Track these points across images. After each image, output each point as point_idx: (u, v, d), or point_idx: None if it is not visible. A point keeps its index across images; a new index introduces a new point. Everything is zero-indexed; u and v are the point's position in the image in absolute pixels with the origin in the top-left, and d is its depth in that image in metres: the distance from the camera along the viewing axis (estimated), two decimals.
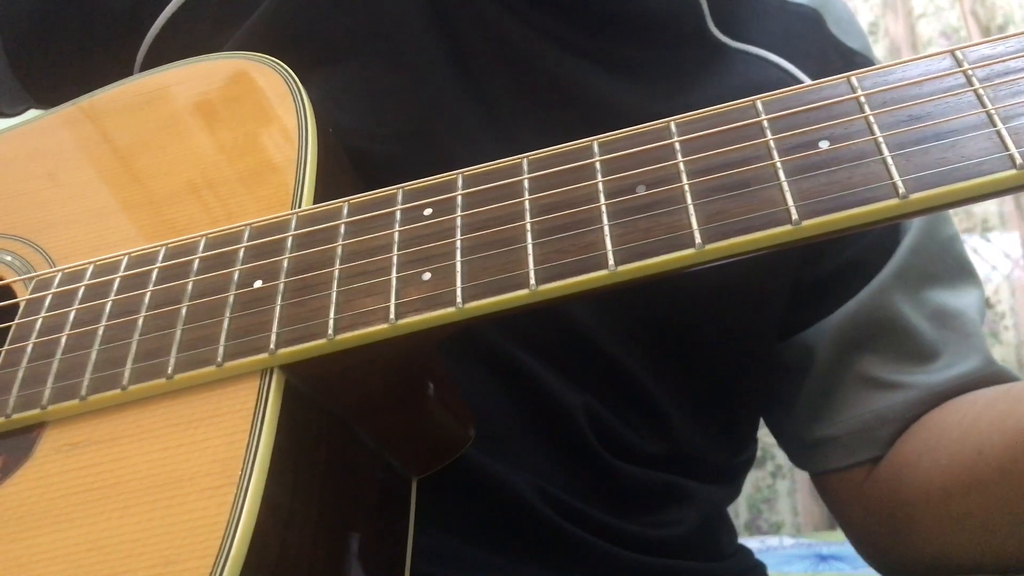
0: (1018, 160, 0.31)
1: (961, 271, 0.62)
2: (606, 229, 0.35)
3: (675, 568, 0.56)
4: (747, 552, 0.65)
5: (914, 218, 0.49)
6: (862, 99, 0.35)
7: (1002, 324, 2.04)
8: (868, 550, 0.61)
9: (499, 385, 0.53)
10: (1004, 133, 0.32)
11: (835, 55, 0.61)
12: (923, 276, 0.59)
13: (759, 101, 0.37)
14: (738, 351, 0.58)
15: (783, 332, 0.60)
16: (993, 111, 0.33)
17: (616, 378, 0.55)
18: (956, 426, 0.55)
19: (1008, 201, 2.08)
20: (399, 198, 0.40)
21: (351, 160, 0.51)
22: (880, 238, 0.59)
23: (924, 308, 0.59)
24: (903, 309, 0.59)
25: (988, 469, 0.51)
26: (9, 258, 0.48)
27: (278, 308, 0.38)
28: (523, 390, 0.53)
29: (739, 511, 1.94)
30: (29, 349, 0.41)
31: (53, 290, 0.43)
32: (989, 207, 2.09)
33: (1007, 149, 0.32)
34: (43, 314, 0.43)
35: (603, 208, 0.36)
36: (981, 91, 0.34)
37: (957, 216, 2.09)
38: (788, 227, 0.33)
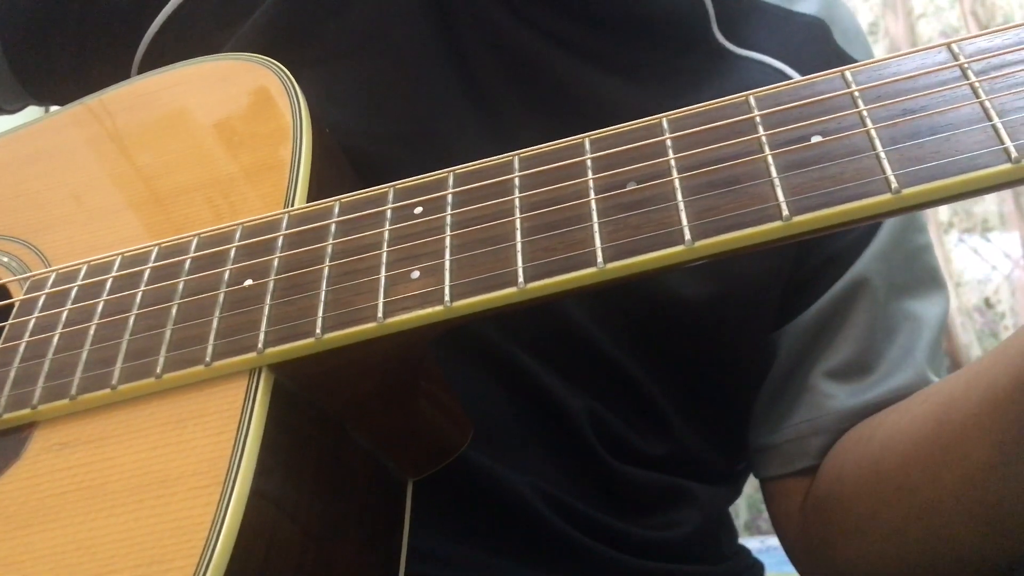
0: (1013, 154, 0.31)
1: (928, 281, 0.60)
2: (595, 226, 0.35)
3: (675, 572, 0.56)
4: (745, 552, 0.64)
5: (902, 215, 0.48)
6: (856, 93, 0.35)
7: (1002, 324, 2.03)
8: (801, 561, 0.59)
9: (502, 388, 0.53)
10: (999, 127, 0.32)
11: (839, 66, 0.60)
12: (886, 283, 0.58)
13: (752, 96, 0.36)
14: (734, 359, 0.57)
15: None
16: (989, 104, 0.32)
17: (618, 381, 0.55)
18: (858, 443, 0.54)
19: (1008, 201, 2.07)
20: (390, 197, 0.40)
21: (350, 159, 0.51)
22: (855, 239, 0.58)
23: (880, 315, 0.58)
24: (857, 316, 0.57)
25: (887, 491, 0.50)
26: (6, 259, 0.48)
27: (267, 307, 0.38)
28: (526, 393, 0.53)
29: (739, 511, 1.94)
30: (22, 349, 0.42)
31: (47, 290, 0.44)
32: (989, 207, 2.08)
33: (1002, 143, 0.31)
34: (36, 314, 0.43)
35: (593, 205, 0.35)
36: (977, 84, 0.33)
37: (957, 216, 2.08)
38: (778, 223, 0.33)
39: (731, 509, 0.65)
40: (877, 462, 0.51)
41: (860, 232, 0.58)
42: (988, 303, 2.05)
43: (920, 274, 0.60)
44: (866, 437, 0.54)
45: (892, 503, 0.50)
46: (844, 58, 0.61)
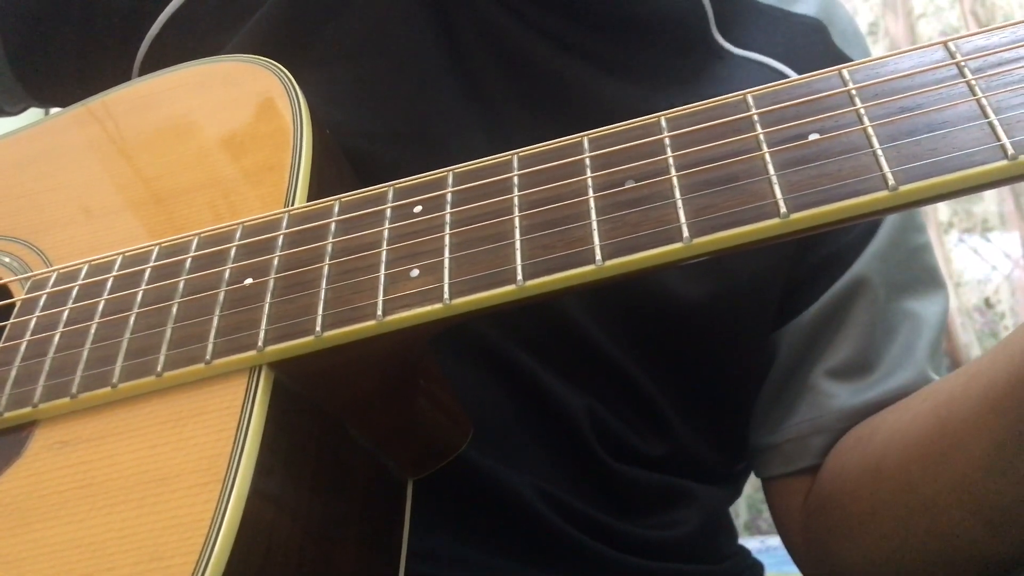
0: (1009, 151, 0.31)
1: (927, 280, 0.60)
2: (594, 224, 0.35)
3: (675, 572, 0.56)
4: (745, 552, 0.64)
5: (901, 214, 0.48)
6: (853, 91, 0.35)
7: (1002, 324, 2.03)
8: (803, 560, 0.59)
9: (502, 387, 0.53)
10: (996, 124, 0.32)
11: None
12: (886, 283, 0.58)
13: (750, 95, 0.37)
14: (733, 359, 0.58)
15: None
16: (985, 102, 0.32)
17: (617, 380, 0.55)
18: (858, 443, 0.54)
19: (1008, 201, 2.07)
20: (390, 196, 0.40)
21: (350, 160, 0.51)
22: (854, 239, 0.58)
23: (880, 315, 0.58)
24: (857, 316, 0.57)
25: (887, 490, 0.50)
26: (7, 259, 0.48)
27: (267, 306, 0.38)
28: (526, 392, 0.53)
29: (739, 511, 1.94)
30: (23, 348, 0.42)
31: (48, 290, 0.44)
32: (989, 207, 2.08)
33: (998, 140, 0.31)
34: (37, 313, 0.43)
35: (591, 203, 0.36)
36: (973, 82, 0.33)
37: (957, 216, 2.08)
38: (776, 220, 0.33)
39: (731, 509, 0.65)
40: (878, 460, 0.51)
41: (859, 232, 0.58)
42: (988, 303, 2.06)
43: (919, 273, 0.60)
44: (867, 436, 0.54)
45: (893, 501, 0.50)
46: (842, 59, 0.61)
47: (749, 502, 1.97)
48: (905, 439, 0.50)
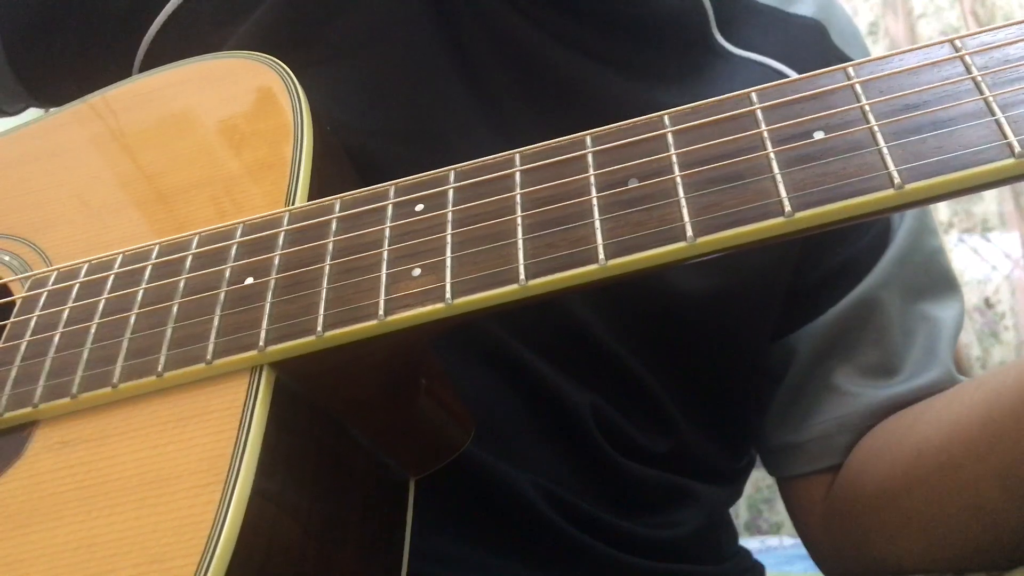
0: (1016, 149, 0.31)
1: (943, 284, 0.61)
2: (597, 223, 0.35)
3: (676, 572, 0.56)
4: (745, 553, 0.64)
5: (907, 211, 0.49)
6: (858, 88, 0.34)
7: (1002, 324, 2.03)
8: (826, 556, 0.60)
9: (505, 384, 0.53)
10: (1003, 121, 0.31)
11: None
12: (904, 288, 0.59)
13: (754, 93, 0.36)
14: (736, 355, 0.58)
15: (772, 336, 0.60)
16: (992, 99, 0.32)
17: (621, 377, 0.55)
18: (896, 429, 0.55)
19: (1008, 201, 2.07)
20: (391, 194, 0.40)
21: (353, 158, 0.51)
22: (869, 244, 0.59)
23: (899, 320, 0.59)
24: (878, 321, 0.58)
25: (926, 468, 0.51)
26: (7, 258, 0.48)
27: (268, 305, 0.38)
28: (530, 389, 0.53)
29: (739, 511, 1.94)
30: (23, 347, 0.41)
31: (48, 288, 0.43)
32: (989, 207, 2.08)
33: (1005, 137, 0.31)
34: (37, 312, 0.43)
35: (594, 201, 0.35)
36: (980, 79, 0.33)
37: (957, 216, 2.08)
38: (781, 219, 0.32)
39: (731, 509, 0.65)
40: (919, 443, 0.52)
41: (876, 236, 0.59)
42: (988, 303, 2.06)
43: (936, 277, 0.61)
44: (907, 422, 0.55)
45: (931, 481, 0.51)
46: (842, 58, 0.61)
47: (749, 502, 1.97)
48: (951, 425, 0.51)
